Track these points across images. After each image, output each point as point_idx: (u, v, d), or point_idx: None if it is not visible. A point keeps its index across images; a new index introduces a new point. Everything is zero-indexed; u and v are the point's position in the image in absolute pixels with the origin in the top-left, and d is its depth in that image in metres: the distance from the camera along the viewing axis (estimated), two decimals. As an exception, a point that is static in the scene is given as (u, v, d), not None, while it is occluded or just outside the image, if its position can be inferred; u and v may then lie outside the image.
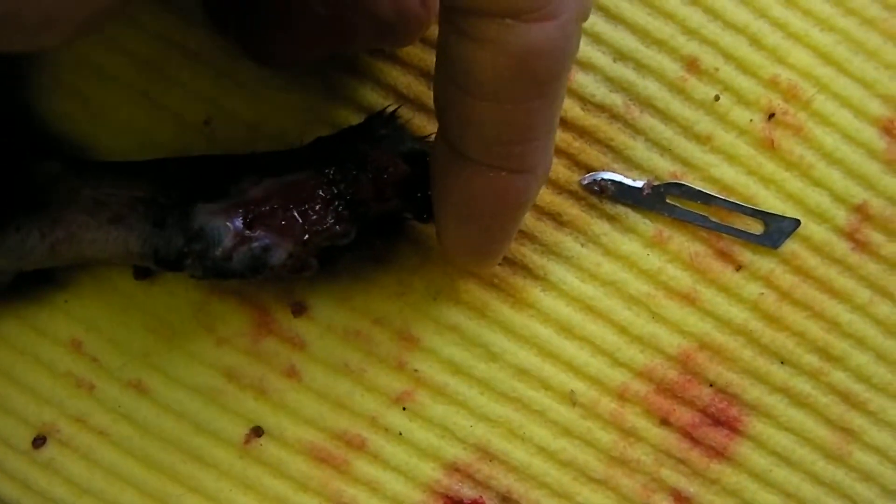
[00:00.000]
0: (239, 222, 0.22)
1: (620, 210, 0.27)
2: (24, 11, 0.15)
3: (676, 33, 0.26)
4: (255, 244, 0.22)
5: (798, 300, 0.27)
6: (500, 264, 0.27)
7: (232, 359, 0.26)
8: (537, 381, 0.27)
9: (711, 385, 0.27)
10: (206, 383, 0.26)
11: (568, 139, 0.26)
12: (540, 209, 0.27)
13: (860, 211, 0.27)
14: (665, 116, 0.27)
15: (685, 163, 0.27)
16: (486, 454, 0.27)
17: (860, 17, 0.27)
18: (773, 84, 0.27)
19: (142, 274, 0.26)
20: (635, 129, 0.27)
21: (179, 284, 0.26)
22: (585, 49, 0.26)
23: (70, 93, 0.26)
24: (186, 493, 0.26)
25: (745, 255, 0.27)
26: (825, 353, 0.27)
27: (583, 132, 0.27)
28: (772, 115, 0.27)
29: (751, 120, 0.27)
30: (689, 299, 0.27)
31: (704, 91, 0.27)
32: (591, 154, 0.27)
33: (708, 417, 0.27)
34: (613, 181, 0.26)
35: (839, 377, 0.27)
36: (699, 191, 0.27)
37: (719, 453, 0.27)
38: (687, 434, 0.27)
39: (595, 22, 0.26)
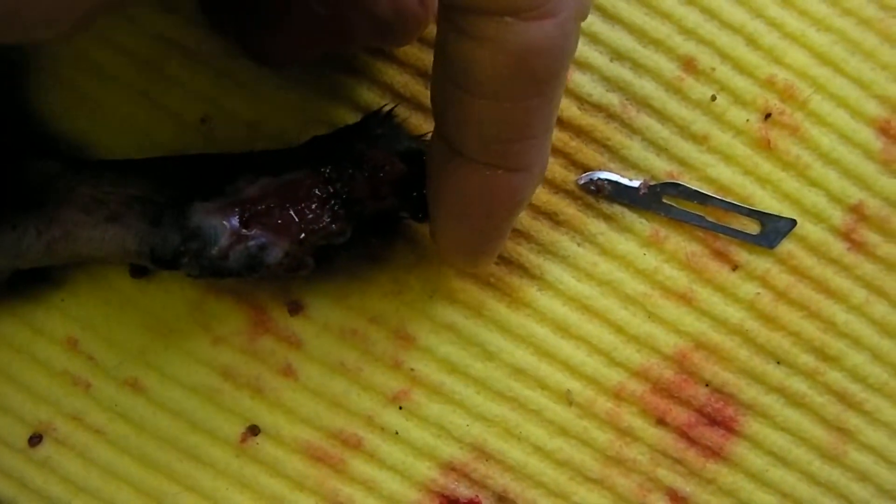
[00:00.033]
0: (235, 221, 0.22)
1: (617, 209, 0.27)
2: (23, 9, 0.15)
3: (673, 33, 0.27)
4: (252, 243, 0.22)
5: (794, 300, 0.27)
6: (496, 263, 0.27)
7: (228, 357, 0.26)
8: (534, 380, 0.27)
9: (707, 385, 0.27)
10: (202, 382, 0.26)
11: (564, 138, 0.26)
12: (536, 208, 0.27)
13: (856, 211, 0.27)
14: (662, 116, 0.27)
15: (682, 162, 0.27)
16: (483, 453, 0.27)
17: (857, 17, 0.27)
18: (769, 84, 0.27)
19: (138, 272, 0.26)
20: (632, 129, 0.27)
21: (176, 283, 0.26)
22: (582, 49, 0.26)
23: (68, 91, 0.26)
24: (182, 491, 0.26)
25: (742, 254, 0.27)
26: (821, 353, 0.27)
27: (579, 132, 0.27)
28: (768, 115, 0.27)
29: (747, 120, 0.27)
30: (685, 299, 0.27)
31: (701, 91, 0.27)
32: (587, 153, 0.27)
33: (704, 417, 0.27)
34: (610, 181, 0.26)
35: (835, 377, 0.27)
36: (696, 190, 0.27)
37: (715, 453, 0.27)
38: (683, 434, 0.27)
39: (592, 22, 0.26)
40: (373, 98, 0.26)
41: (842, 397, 0.27)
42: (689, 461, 0.27)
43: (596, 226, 0.27)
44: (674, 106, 0.27)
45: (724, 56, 0.27)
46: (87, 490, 0.26)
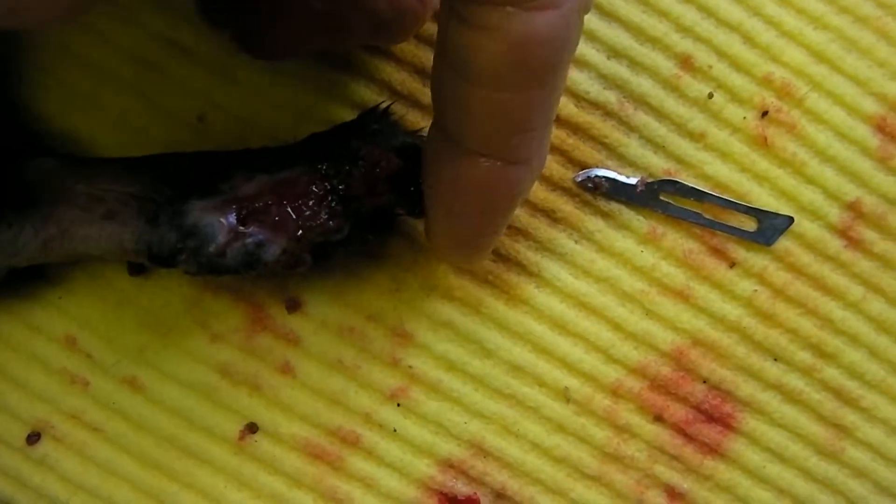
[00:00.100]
0: (232, 218, 0.22)
1: (614, 207, 0.27)
2: None
3: (670, 31, 0.27)
4: (249, 240, 0.22)
5: (791, 297, 0.27)
6: (493, 261, 0.27)
7: (226, 355, 0.26)
8: (531, 377, 0.27)
9: (705, 382, 0.27)
10: (200, 379, 0.26)
11: (562, 136, 0.27)
12: (534, 206, 0.27)
13: (853, 208, 0.27)
14: (659, 114, 0.27)
15: (679, 160, 0.27)
16: (481, 450, 0.27)
17: (853, 15, 0.27)
18: (766, 82, 0.27)
19: (136, 270, 0.26)
20: (629, 127, 0.27)
21: (173, 281, 0.26)
22: (580, 46, 0.26)
23: (65, 89, 0.26)
24: (181, 489, 0.26)
25: (739, 252, 0.27)
26: (818, 350, 0.27)
27: (577, 129, 0.27)
28: (765, 113, 0.27)
29: (744, 117, 0.27)
30: (682, 296, 0.27)
31: (698, 88, 0.27)
32: (585, 151, 0.27)
33: (701, 414, 0.27)
34: (607, 178, 0.26)
35: (832, 374, 0.27)
36: (693, 188, 0.27)
37: (713, 450, 0.27)
38: (680, 430, 0.27)
39: (589, 19, 0.26)
40: (369, 95, 0.26)
41: (839, 394, 0.27)
42: (686, 458, 0.27)
43: (593, 223, 0.27)
44: (671, 103, 0.27)
45: (721, 54, 0.27)
46: (86, 488, 0.26)
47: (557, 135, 0.26)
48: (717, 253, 0.27)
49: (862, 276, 0.27)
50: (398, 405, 0.27)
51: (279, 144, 0.24)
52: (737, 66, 0.27)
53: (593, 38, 0.26)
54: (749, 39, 0.27)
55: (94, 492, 0.26)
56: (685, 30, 0.27)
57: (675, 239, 0.27)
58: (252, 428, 0.26)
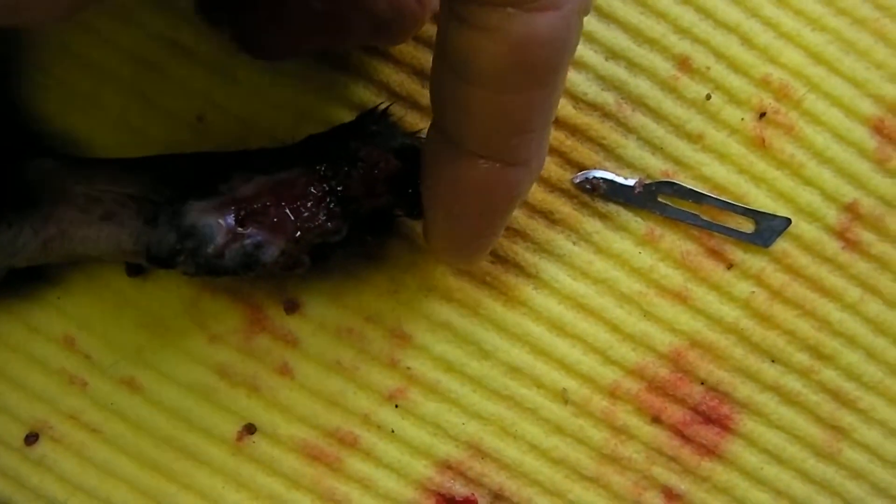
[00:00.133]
0: (231, 219, 0.22)
1: (612, 208, 0.27)
2: None
3: (668, 32, 0.27)
4: (248, 241, 0.22)
5: (789, 299, 0.27)
6: (492, 262, 0.27)
7: (224, 356, 0.26)
8: (529, 378, 0.27)
9: (702, 383, 0.27)
10: (198, 380, 0.26)
11: (560, 137, 0.27)
12: (532, 207, 0.27)
13: (851, 210, 0.27)
14: (657, 115, 0.27)
15: (677, 161, 0.27)
16: (479, 452, 0.27)
17: (851, 16, 0.27)
18: (764, 83, 0.27)
19: (134, 271, 0.26)
20: (627, 128, 0.27)
21: (172, 281, 0.26)
22: (578, 48, 0.26)
23: (63, 89, 0.26)
24: (179, 490, 0.26)
25: (737, 253, 0.27)
26: (816, 352, 0.27)
27: (575, 130, 0.27)
28: (763, 114, 0.27)
29: (742, 119, 0.27)
30: (680, 297, 0.27)
31: (696, 90, 0.27)
32: (582, 152, 0.27)
33: (699, 415, 0.27)
34: (605, 179, 0.27)
35: (830, 375, 0.27)
36: (691, 189, 0.27)
37: (710, 451, 0.27)
38: (678, 432, 0.27)
39: (587, 20, 0.26)
40: (368, 96, 0.26)
41: (836, 395, 0.27)
42: (684, 459, 0.27)
43: (591, 224, 0.27)
44: (669, 105, 0.27)
45: (719, 55, 0.27)
46: (84, 489, 0.26)
47: (555, 136, 0.26)
48: (715, 254, 0.27)
49: (859, 277, 0.27)
50: (396, 406, 0.27)
51: (278, 145, 0.25)
52: (735, 67, 0.27)
53: (591, 39, 0.27)
54: (747, 41, 0.27)
55: (92, 492, 0.26)
56: (683, 31, 0.27)
57: (673, 240, 0.27)
58: (250, 429, 0.26)
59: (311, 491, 0.27)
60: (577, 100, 0.27)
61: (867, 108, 0.27)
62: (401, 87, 0.26)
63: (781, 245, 0.27)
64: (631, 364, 0.27)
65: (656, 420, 0.27)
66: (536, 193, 0.27)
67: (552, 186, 0.27)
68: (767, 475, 0.27)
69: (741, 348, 0.27)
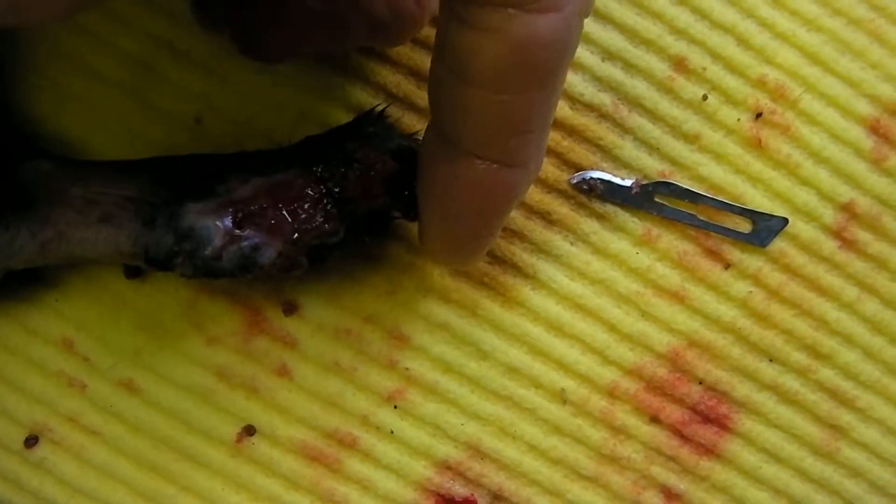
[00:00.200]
0: (228, 221, 0.22)
1: (609, 209, 0.27)
2: None
3: (664, 33, 0.27)
4: (245, 243, 0.22)
5: (786, 298, 0.27)
6: (489, 263, 0.27)
7: (223, 358, 0.26)
8: (528, 379, 0.27)
9: (701, 382, 0.27)
10: (197, 382, 0.26)
11: (557, 138, 0.27)
12: (529, 208, 0.27)
13: (847, 209, 0.27)
14: (653, 116, 0.27)
15: (673, 162, 0.27)
16: (478, 452, 0.27)
17: (847, 17, 0.27)
18: (760, 84, 0.27)
19: (132, 273, 0.26)
20: (624, 129, 0.27)
21: (170, 283, 0.26)
22: (574, 49, 0.27)
23: (60, 92, 0.26)
24: (178, 492, 0.26)
25: (734, 253, 0.27)
26: (813, 351, 0.27)
27: (572, 131, 0.27)
28: (759, 115, 0.27)
29: (738, 119, 0.27)
30: (677, 297, 0.27)
31: (692, 90, 0.27)
32: (580, 153, 0.27)
33: (697, 415, 0.27)
34: (602, 180, 0.27)
35: (827, 374, 0.27)
36: (687, 189, 0.27)
37: (709, 450, 0.27)
38: (677, 431, 0.27)
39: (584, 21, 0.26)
40: (365, 98, 0.26)
41: (834, 394, 0.27)
42: (682, 459, 0.27)
43: (589, 225, 0.27)
44: (665, 105, 0.27)
45: (716, 56, 0.27)
46: (84, 491, 0.26)
47: (552, 137, 0.27)
48: (712, 254, 0.27)
49: (856, 276, 0.27)
50: (395, 407, 0.27)
51: (275, 147, 0.25)
52: (731, 68, 0.27)
53: (588, 40, 0.27)
54: (743, 41, 0.27)
55: (91, 494, 0.26)
56: (679, 32, 0.27)
57: (671, 241, 0.27)
58: (249, 430, 0.27)
59: (310, 492, 0.27)
60: (574, 101, 0.27)
61: (863, 108, 0.27)
62: (398, 89, 0.26)
63: (778, 245, 0.27)
64: (629, 364, 0.27)
65: (655, 420, 0.27)
66: (534, 194, 0.27)
67: (549, 187, 0.27)
68: (766, 474, 0.27)
69: (739, 348, 0.27)
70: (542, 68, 0.18)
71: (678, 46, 0.27)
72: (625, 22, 0.27)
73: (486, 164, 0.19)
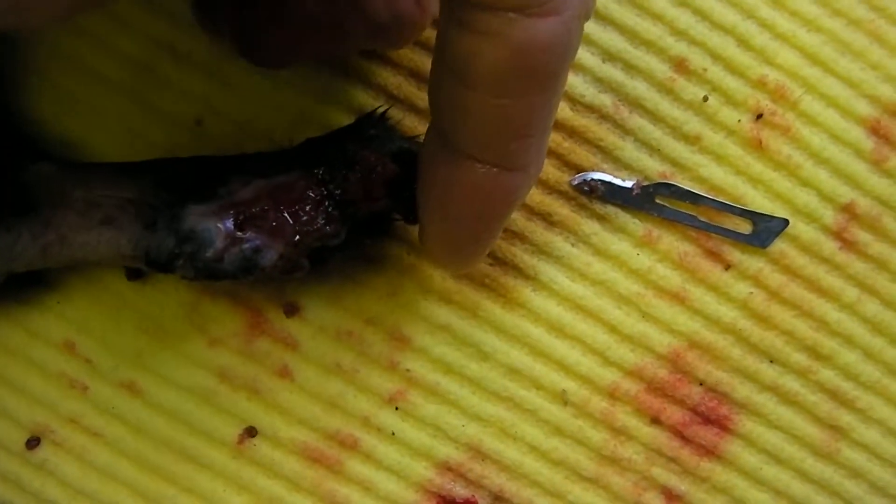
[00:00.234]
0: (230, 224, 0.22)
1: (610, 210, 0.27)
2: None
3: (665, 34, 0.27)
4: (246, 245, 0.22)
5: (786, 299, 0.27)
6: (490, 264, 0.27)
7: (225, 359, 0.26)
8: (529, 380, 0.27)
9: (701, 384, 0.27)
10: (199, 384, 0.26)
11: (558, 139, 0.27)
12: (530, 209, 0.27)
13: (848, 210, 0.27)
14: (654, 117, 0.27)
15: (674, 163, 0.27)
16: (479, 453, 0.27)
17: (847, 17, 0.27)
18: (760, 84, 0.27)
19: (134, 275, 0.26)
20: (624, 130, 0.27)
21: (171, 285, 0.26)
22: (575, 50, 0.27)
23: (61, 94, 0.26)
24: (180, 493, 0.26)
25: (734, 254, 0.27)
26: (814, 352, 0.27)
27: (572, 132, 0.27)
28: (760, 116, 0.27)
29: (739, 120, 0.27)
30: (678, 298, 0.27)
31: (693, 92, 0.27)
32: (580, 154, 0.27)
33: (698, 416, 0.27)
34: (603, 181, 0.27)
35: (828, 375, 0.27)
36: (688, 191, 0.27)
37: (709, 451, 0.27)
38: (677, 432, 0.27)
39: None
40: (366, 99, 0.26)
41: (834, 395, 0.28)
42: (683, 460, 0.27)
43: (589, 226, 0.27)
44: (666, 106, 0.27)
45: (716, 57, 0.27)
46: (85, 492, 0.26)
47: (553, 138, 0.27)
48: (713, 255, 0.27)
49: (857, 277, 0.27)
50: (396, 408, 0.27)
51: (276, 149, 0.25)
52: (731, 69, 0.27)
53: (588, 41, 0.27)
54: (743, 42, 0.27)
55: (93, 496, 0.26)
56: (679, 33, 0.27)
57: (671, 242, 0.27)
58: (251, 432, 0.27)
59: (311, 493, 0.27)
60: (575, 102, 0.27)
61: (863, 108, 0.27)
62: (398, 90, 0.26)
63: (779, 246, 0.27)
64: (630, 365, 0.27)
65: (656, 421, 0.27)
66: (534, 195, 0.27)
67: (550, 188, 0.27)
68: (766, 475, 0.27)
69: (739, 349, 0.27)
70: (542, 72, 0.18)
71: (679, 47, 0.27)
72: (625, 23, 0.27)
73: (485, 168, 0.19)
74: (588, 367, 0.27)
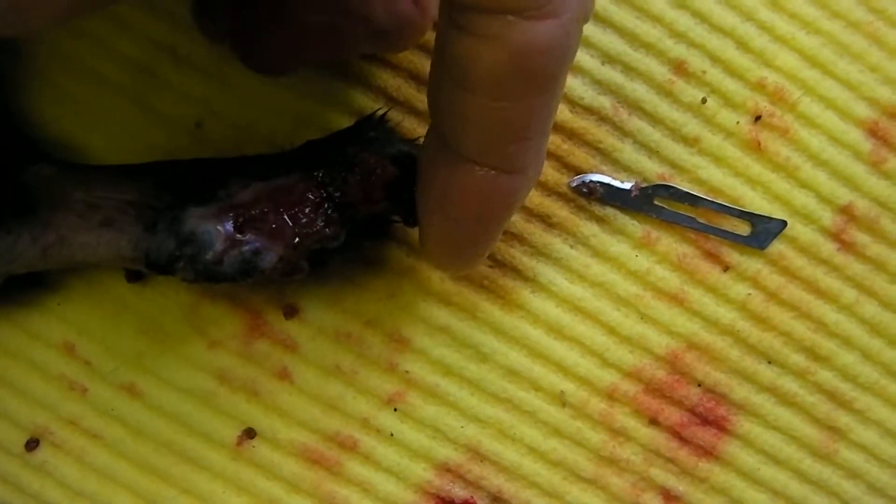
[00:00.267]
0: (230, 226, 0.22)
1: (609, 212, 0.27)
2: None
3: (664, 36, 0.27)
4: (246, 248, 0.22)
5: (785, 300, 0.27)
6: (489, 266, 0.27)
7: (224, 361, 0.27)
8: (527, 381, 0.27)
9: (699, 385, 0.27)
10: (198, 385, 0.26)
11: (557, 141, 0.27)
12: (529, 211, 0.27)
13: (846, 212, 0.27)
14: (653, 119, 0.27)
15: (673, 165, 0.27)
16: (477, 454, 0.27)
17: (845, 20, 0.27)
18: (759, 86, 0.27)
19: (134, 277, 0.26)
20: (623, 132, 0.27)
21: (171, 287, 0.26)
22: (574, 52, 0.27)
23: (62, 96, 0.26)
24: (179, 494, 0.27)
25: (733, 255, 0.27)
26: (812, 353, 0.27)
27: (572, 134, 0.27)
28: (758, 118, 0.27)
29: (738, 122, 0.27)
30: (677, 300, 0.27)
31: (692, 94, 0.27)
32: (579, 156, 0.27)
33: (696, 417, 0.27)
34: (602, 183, 0.27)
35: (826, 376, 0.28)
36: (687, 192, 0.27)
37: (708, 452, 0.27)
38: (675, 433, 0.27)
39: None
40: (366, 102, 0.26)
41: (832, 396, 0.28)
42: (681, 460, 0.27)
43: (588, 228, 0.27)
44: (665, 108, 0.27)
45: (715, 59, 0.27)
46: (84, 494, 0.26)
47: (552, 140, 0.27)
48: (711, 257, 0.27)
49: (855, 279, 0.28)
50: (395, 410, 0.27)
51: (276, 151, 0.25)
52: (730, 71, 0.27)
53: (588, 44, 0.27)
54: (742, 44, 0.27)
55: (92, 498, 0.26)
56: (679, 35, 0.27)
57: (670, 243, 0.27)
58: (250, 433, 0.27)
59: (311, 495, 0.27)
60: (574, 104, 0.27)
61: (862, 110, 0.27)
62: (398, 93, 0.26)
63: (777, 247, 0.27)
64: (628, 366, 0.27)
65: (654, 422, 0.27)
66: (533, 197, 0.27)
67: (549, 190, 0.27)
68: (764, 476, 0.28)
69: (738, 350, 0.27)
70: (541, 75, 0.18)
71: (678, 50, 0.27)
72: (624, 25, 0.27)
73: (484, 171, 0.19)
74: (587, 368, 0.27)
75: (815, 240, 0.27)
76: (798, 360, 0.27)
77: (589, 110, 0.27)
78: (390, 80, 0.26)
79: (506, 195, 0.20)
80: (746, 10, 0.27)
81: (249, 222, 0.22)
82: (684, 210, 0.27)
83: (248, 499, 0.27)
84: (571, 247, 0.27)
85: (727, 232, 0.27)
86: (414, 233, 0.26)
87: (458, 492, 0.27)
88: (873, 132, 0.27)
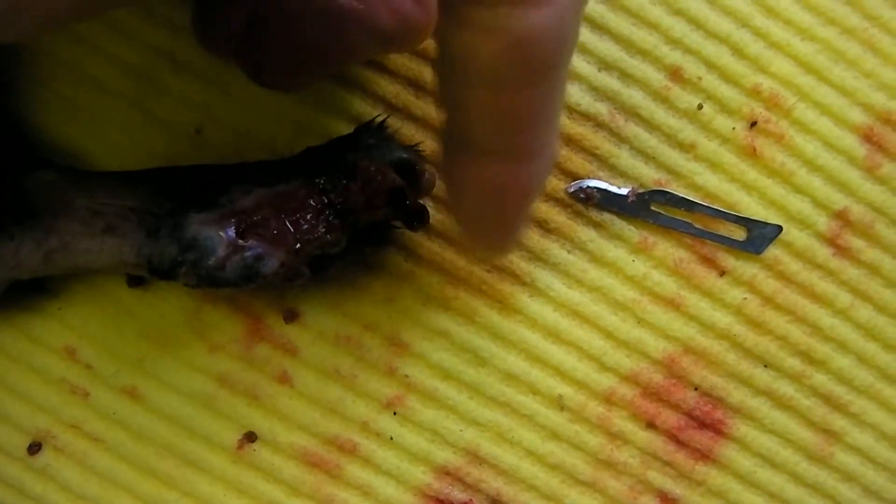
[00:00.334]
0: (232, 232, 0.22)
1: (606, 217, 0.27)
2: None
3: (660, 43, 0.27)
4: (248, 253, 0.22)
5: (781, 305, 0.28)
6: (487, 271, 0.27)
7: (225, 365, 0.27)
8: (525, 385, 0.27)
9: (696, 388, 0.28)
10: (199, 389, 0.27)
11: (554, 148, 0.27)
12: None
13: (841, 217, 0.28)
14: (649, 125, 0.27)
15: (669, 170, 0.27)
16: (476, 458, 0.27)
17: (840, 26, 0.27)
18: (755, 93, 0.27)
19: (135, 282, 0.26)
20: (620, 138, 0.27)
21: (172, 292, 0.26)
22: (571, 59, 0.27)
23: (63, 103, 0.26)
24: (180, 497, 0.27)
25: (729, 260, 0.27)
26: (807, 357, 0.28)
27: (568, 140, 0.27)
28: (754, 124, 0.27)
29: (733, 128, 0.27)
30: (673, 304, 0.27)
31: (688, 100, 0.27)
32: (576, 162, 0.27)
33: (693, 420, 0.28)
34: (599, 189, 0.27)
35: (821, 380, 0.28)
36: (683, 198, 0.27)
37: (705, 455, 0.28)
38: (673, 437, 0.27)
39: (580, 32, 0.27)
40: (365, 108, 0.26)
41: (828, 400, 0.28)
42: (678, 463, 0.28)
43: (585, 233, 0.27)
44: (661, 115, 0.27)
45: (711, 65, 0.27)
46: (86, 497, 0.27)
47: (550, 146, 0.27)
48: (708, 262, 0.27)
49: (850, 283, 0.28)
50: (394, 413, 0.27)
51: (276, 158, 0.25)
52: (725, 77, 0.27)
53: (584, 50, 0.27)
54: (737, 51, 0.27)
55: (94, 501, 0.27)
56: (674, 42, 0.27)
57: (666, 248, 0.27)
58: (251, 437, 0.27)
59: (311, 498, 0.27)
60: (571, 110, 0.27)
61: (856, 116, 0.27)
62: (397, 99, 0.27)
63: (773, 252, 0.28)
64: (625, 370, 0.27)
65: (651, 425, 0.27)
66: (531, 203, 0.27)
67: (546, 196, 0.27)
68: (761, 479, 0.28)
69: (734, 354, 0.28)
70: (540, 63, 0.18)
71: (674, 56, 0.27)
72: (620, 32, 0.27)
73: (498, 162, 0.19)
74: (584, 372, 0.27)
75: (811, 245, 0.28)
76: (794, 363, 0.28)
77: (586, 116, 0.27)
78: (389, 87, 0.27)
79: (523, 184, 0.20)
80: (742, 16, 0.27)
81: (251, 228, 0.22)
82: (681, 215, 0.27)
83: (249, 502, 0.27)
84: (569, 252, 0.27)
85: (723, 237, 0.27)
86: (414, 238, 0.27)
87: (458, 495, 0.27)
88: (868, 138, 0.28)
